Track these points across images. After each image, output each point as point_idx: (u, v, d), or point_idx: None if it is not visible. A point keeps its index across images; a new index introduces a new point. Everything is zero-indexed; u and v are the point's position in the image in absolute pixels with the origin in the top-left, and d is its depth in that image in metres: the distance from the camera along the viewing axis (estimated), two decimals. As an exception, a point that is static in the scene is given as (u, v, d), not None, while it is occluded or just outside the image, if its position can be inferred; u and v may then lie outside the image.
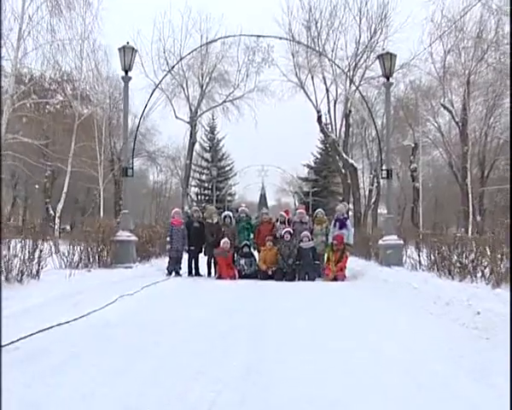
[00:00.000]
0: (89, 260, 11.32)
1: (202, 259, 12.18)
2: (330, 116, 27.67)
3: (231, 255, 11.47)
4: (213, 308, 6.44)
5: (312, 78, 27.16)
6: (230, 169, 48.12)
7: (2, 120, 16.33)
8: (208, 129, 46.93)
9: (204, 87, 30.51)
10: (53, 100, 21.71)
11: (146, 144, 38.87)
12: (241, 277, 11.25)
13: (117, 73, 27.00)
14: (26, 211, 49.09)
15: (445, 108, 25.27)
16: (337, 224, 11.35)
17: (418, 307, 6.07)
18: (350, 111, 28.56)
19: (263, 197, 63.28)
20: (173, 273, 11.68)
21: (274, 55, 26.76)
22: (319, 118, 27.66)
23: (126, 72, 12.61)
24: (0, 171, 27.13)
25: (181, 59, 12.98)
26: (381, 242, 12.23)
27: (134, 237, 12.37)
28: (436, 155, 39.19)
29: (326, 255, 11.15)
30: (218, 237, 11.52)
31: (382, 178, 12.32)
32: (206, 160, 48.02)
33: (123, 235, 12.06)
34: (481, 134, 28.20)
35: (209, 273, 11.92)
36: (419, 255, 10.98)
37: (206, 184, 47.15)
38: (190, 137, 30.63)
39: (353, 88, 26.46)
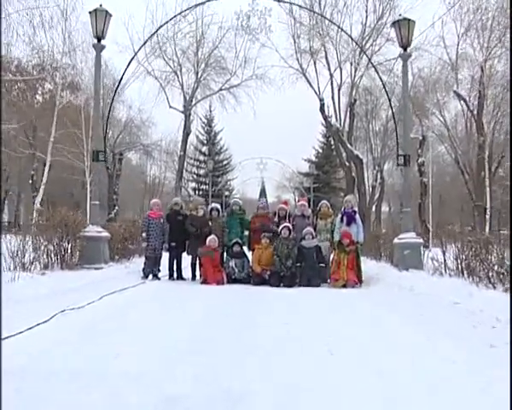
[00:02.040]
0: (49, 259, 9.54)
1: (186, 259, 10.37)
2: (334, 103, 25.71)
3: (219, 255, 9.60)
4: (185, 334, 4.61)
5: (315, 63, 25.24)
6: (228, 163, 46.24)
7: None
8: (205, 121, 45.12)
9: (199, 74, 28.69)
10: (29, 77, 19.73)
11: (141, 137, 37.12)
12: (231, 281, 9.42)
13: (107, 58, 25.27)
14: (19, 205, 47.45)
15: (458, 95, 23.36)
16: (344, 218, 9.48)
17: (471, 336, 4.20)
18: (355, 100, 26.67)
19: (263, 193, 61.43)
20: (150, 276, 9.85)
21: (273, 36, 24.81)
22: (322, 106, 25.68)
23: (99, 39, 10.76)
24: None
25: (162, 25, 11.11)
26: (396, 240, 10.37)
27: (106, 233, 10.54)
28: (441, 150, 37.90)
29: (333, 257, 9.30)
30: (203, 232, 9.66)
31: (398, 165, 10.46)
32: (204, 153, 46.18)
33: (92, 230, 10.24)
34: (488, 129, 26.45)
35: (193, 276, 10.08)
36: (444, 257, 9.15)
37: (204, 179, 45.26)
38: (184, 127, 28.76)
39: (359, 74, 24.75)
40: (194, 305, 6.40)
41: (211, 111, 42.58)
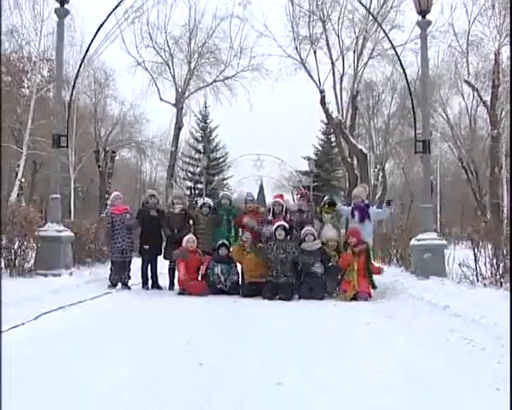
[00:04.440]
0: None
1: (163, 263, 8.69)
2: (336, 94, 24.03)
3: (198, 259, 7.86)
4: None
5: (315, 53, 23.56)
6: (224, 161, 44.41)
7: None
8: (200, 117, 43.41)
9: (192, 65, 27.06)
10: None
11: (134, 134, 35.51)
12: (217, 291, 7.75)
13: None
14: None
15: (469, 84, 21.73)
16: (356, 213, 7.84)
17: None
18: (357, 92, 25.01)
19: (261, 191, 59.70)
20: (119, 285, 8.17)
21: (270, 24, 23.16)
22: (322, 99, 24.00)
23: (62, 3, 9.09)
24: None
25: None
26: (414, 241, 8.69)
27: (68, 233, 8.83)
28: (443, 149, 36.59)
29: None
30: (181, 232, 7.97)
31: (417, 152, 8.77)
32: (199, 151, 44.37)
33: (51, 229, 8.53)
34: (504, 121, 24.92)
35: (171, 284, 8.38)
36: (476, 263, 7.48)
37: (199, 177, 43.47)
38: (176, 121, 27.10)
39: (362, 63, 23.15)
40: (160, 330, 4.63)
41: (206, 107, 40.97)
